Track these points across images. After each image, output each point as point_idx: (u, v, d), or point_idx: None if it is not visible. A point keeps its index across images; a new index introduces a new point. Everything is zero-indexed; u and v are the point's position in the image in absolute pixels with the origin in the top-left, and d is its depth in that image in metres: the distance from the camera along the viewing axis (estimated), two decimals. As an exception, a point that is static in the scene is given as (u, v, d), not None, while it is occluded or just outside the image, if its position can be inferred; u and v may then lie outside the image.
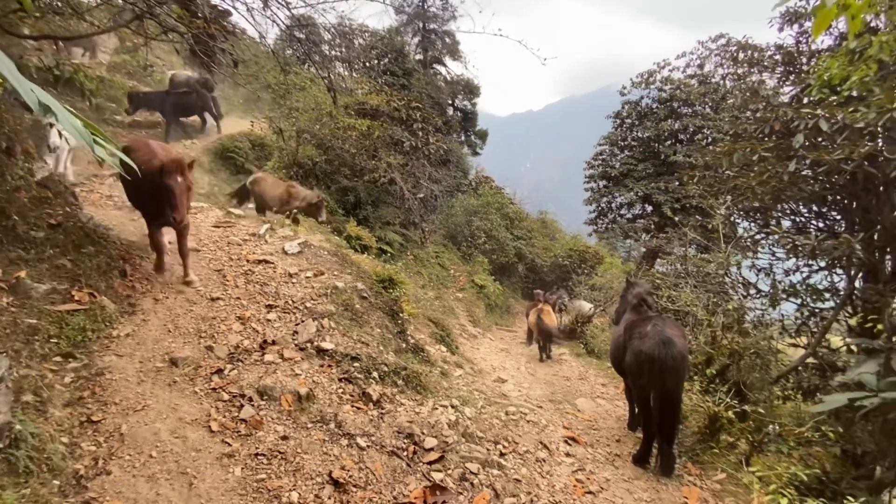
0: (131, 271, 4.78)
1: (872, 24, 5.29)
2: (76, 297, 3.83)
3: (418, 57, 21.59)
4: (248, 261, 5.57)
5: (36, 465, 2.51)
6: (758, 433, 4.43)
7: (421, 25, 21.44)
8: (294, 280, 5.34)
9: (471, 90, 21.99)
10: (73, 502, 2.49)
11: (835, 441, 3.99)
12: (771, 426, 4.42)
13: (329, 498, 2.99)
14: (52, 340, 3.41)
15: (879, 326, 3.42)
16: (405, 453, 3.56)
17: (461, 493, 3.28)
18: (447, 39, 21.72)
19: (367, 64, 19.18)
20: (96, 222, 5.00)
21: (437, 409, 4.26)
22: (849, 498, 3.09)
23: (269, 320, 4.57)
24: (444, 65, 22.23)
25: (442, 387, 5.05)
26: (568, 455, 4.37)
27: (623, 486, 4.03)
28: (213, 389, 3.60)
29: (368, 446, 3.51)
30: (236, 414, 3.43)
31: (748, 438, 4.41)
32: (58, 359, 3.34)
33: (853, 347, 4.58)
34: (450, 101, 21.81)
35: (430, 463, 3.50)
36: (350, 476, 3.19)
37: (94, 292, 3.99)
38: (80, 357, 3.44)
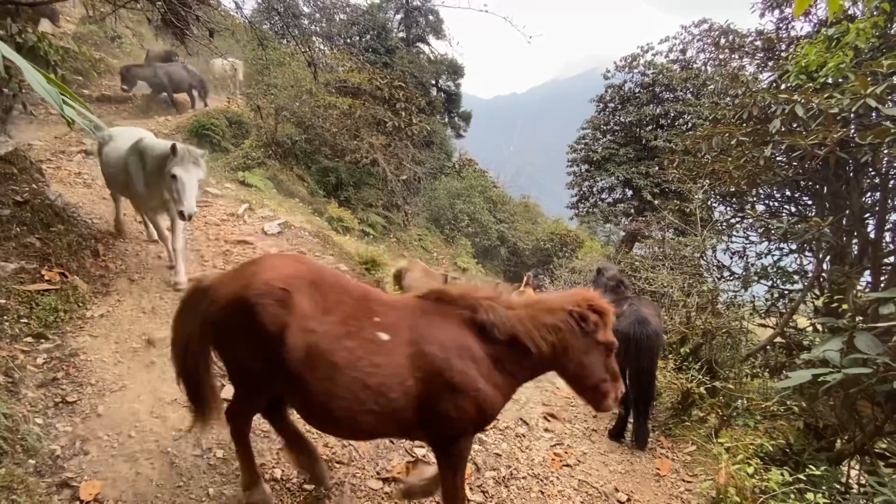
0: (104, 251, 4.64)
1: (850, 12, 5.38)
2: (46, 277, 3.71)
3: (401, 35, 21.12)
4: (226, 241, 5.46)
5: (10, 445, 2.46)
6: (727, 408, 4.61)
7: (404, 1, 20.91)
8: (275, 260, 5.26)
9: (455, 70, 21.66)
10: (49, 482, 2.45)
11: (798, 415, 4.20)
12: (739, 401, 4.60)
13: (312, 475, 3.01)
14: (22, 321, 3.31)
15: (844, 306, 3.56)
16: (388, 431, 3.60)
17: (443, 469, 3.34)
18: (431, 17, 21.26)
19: (349, 40, 18.69)
20: (65, 200, 4.82)
21: (419, 387, 4.30)
22: (811, 467, 3.25)
23: (249, 301, 4.51)
24: (428, 43, 21.82)
25: (424, 366, 5.10)
26: (547, 430, 4.49)
27: (599, 458, 4.18)
28: (193, 370, 3.56)
29: (351, 424, 3.54)
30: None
31: (718, 413, 4.60)
32: (29, 339, 3.25)
33: (819, 327, 4.78)
34: (433, 82, 21.49)
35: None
36: (333, 453, 3.21)
37: (65, 272, 3.87)
38: (52, 338, 3.35)
